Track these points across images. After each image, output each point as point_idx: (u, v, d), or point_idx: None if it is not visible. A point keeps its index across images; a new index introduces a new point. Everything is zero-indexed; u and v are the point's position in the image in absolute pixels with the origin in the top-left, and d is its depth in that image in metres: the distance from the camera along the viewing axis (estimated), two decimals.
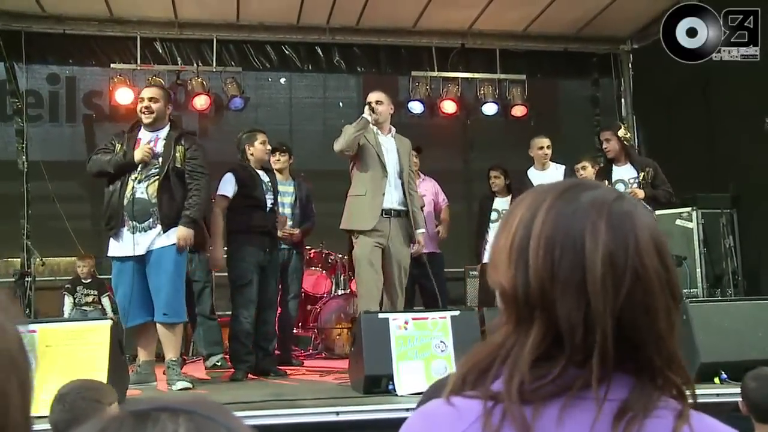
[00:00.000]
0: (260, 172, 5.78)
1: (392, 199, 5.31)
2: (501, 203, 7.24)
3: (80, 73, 8.90)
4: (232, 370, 5.73)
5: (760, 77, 7.12)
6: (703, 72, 8.01)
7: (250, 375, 5.49)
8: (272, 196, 5.80)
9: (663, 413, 0.94)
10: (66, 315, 6.98)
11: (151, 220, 4.71)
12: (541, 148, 6.98)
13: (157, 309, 4.72)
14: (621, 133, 6.28)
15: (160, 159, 4.78)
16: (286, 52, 8.96)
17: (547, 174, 6.93)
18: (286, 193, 6.39)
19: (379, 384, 4.10)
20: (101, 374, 3.77)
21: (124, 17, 8.41)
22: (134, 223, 4.71)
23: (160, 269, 4.70)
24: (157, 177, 4.75)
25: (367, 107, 5.34)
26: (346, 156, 5.43)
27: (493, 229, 7.04)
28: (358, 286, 5.36)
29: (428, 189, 7.12)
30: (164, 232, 4.72)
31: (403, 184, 5.39)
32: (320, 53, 9.04)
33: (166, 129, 4.96)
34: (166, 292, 4.69)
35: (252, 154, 5.76)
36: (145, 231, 4.72)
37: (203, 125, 9.14)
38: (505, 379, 0.94)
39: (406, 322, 4.21)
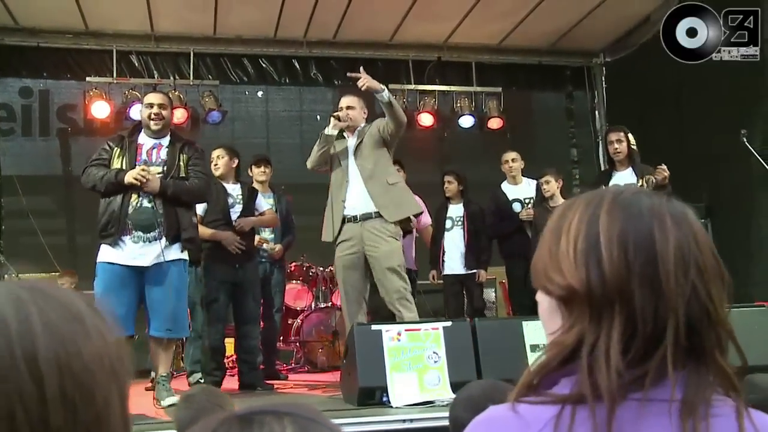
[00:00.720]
0: (229, 186, 5.76)
1: (358, 204, 5.05)
2: (454, 210, 6.99)
3: (54, 86, 8.77)
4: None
5: (731, 89, 7.30)
6: (675, 84, 8.18)
7: (237, 389, 5.48)
8: (240, 207, 5.76)
9: (722, 410, 0.96)
10: None
11: (157, 231, 4.52)
12: (506, 161, 7.00)
13: (160, 323, 4.54)
14: (630, 136, 6.18)
15: (165, 168, 4.63)
16: (263, 65, 8.96)
17: (520, 188, 6.96)
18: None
19: (373, 396, 4.09)
20: None
21: (100, 30, 8.34)
22: (139, 233, 4.51)
23: (166, 283, 4.51)
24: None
25: (331, 119, 5.15)
26: (322, 172, 5.34)
27: (448, 238, 6.89)
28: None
29: None
30: (170, 244, 4.54)
31: (368, 181, 5.04)
32: (297, 66, 9.06)
33: (168, 137, 4.79)
34: (172, 307, 4.52)
35: (216, 168, 5.77)
36: (150, 242, 4.51)
37: None
38: (602, 375, 0.94)
39: (399, 334, 4.22)
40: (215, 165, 5.78)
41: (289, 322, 7.49)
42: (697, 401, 0.95)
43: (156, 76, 8.62)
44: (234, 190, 5.84)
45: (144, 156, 4.65)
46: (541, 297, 1.05)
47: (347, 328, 4.81)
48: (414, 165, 8.25)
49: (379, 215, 5.01)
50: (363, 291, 5.09)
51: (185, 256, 4.68)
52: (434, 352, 4.22)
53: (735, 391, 0.98)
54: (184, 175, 4.68)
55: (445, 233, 6.92)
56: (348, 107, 5.27)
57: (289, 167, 8.54)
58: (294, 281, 7.55)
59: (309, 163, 5.26)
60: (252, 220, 5.78)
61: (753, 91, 7.13)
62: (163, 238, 4.54)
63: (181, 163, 4.70)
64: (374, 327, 4.28)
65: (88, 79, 8.37)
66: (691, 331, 0.96)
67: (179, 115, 8.48)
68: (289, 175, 8.14)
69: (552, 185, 6.44)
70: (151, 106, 4.73)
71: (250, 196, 5.93)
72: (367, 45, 9.04)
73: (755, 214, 7.12)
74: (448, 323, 4.35)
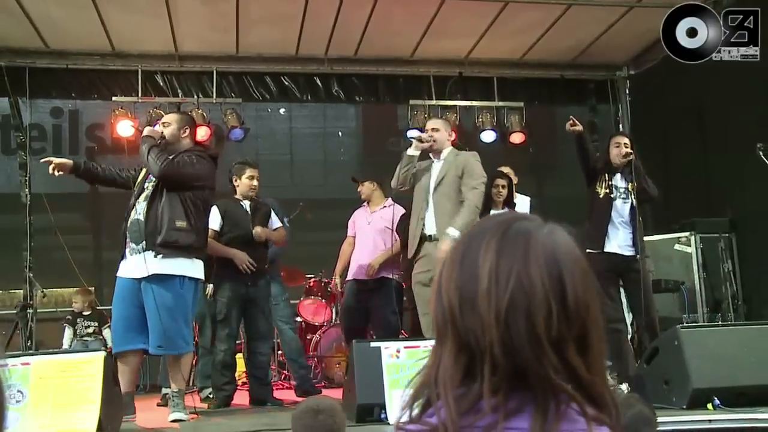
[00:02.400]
0: (246, 204, 5.81)
1: (434, 223, 5.28)
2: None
3: (83, 106, 9.04)
4: None
5: (755, 102, 7.18)
6: (699, 97, 8.08)
7: (247, 404, 5.54)
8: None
9: None
10: (66, 346, 7.01)
11: (144, 242, 4.60)
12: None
13: (151, 340, 4.59)
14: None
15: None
16: (285, 82, 9.07)
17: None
18: None
19: (371, 413, 4.11)
20: (94, 405, 3.80)
21: (126, 51, 8.55)
22: (132, 244, 4.65)
23: (157, 298, 4.52)
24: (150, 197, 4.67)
25: (414, 140, 5.41)
26: (405, 191, 5.56)
27: None
28: None
29: (385, 217, 6.49)
30: (154, 253, 4.56)
31: (435, 205, 5.24)
32: (319, 83, 9.14)
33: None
34: (162, 324, 4.50)
35: (237, 186, 5.83)
36: (139, 253, 4.61)
37: None
38: (440, 410, 0.97)
39: (398, 351, 4.22)
40: (255, 185, 5.87)
41: (308, 337, 7.53)
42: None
43: (180, 95, 8.80)
44: (249, 208, 5.90)
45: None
46: None
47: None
48: None
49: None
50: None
51: (183, 271, 4.64)
52: None
53: (587, 418, 0.98)
54: None
55: None
56: (433, 129, 5.47)
57: (311, 183, 8.64)
58: (312, 297, 7.60)
59: (393, 183, 5.50)
60: (268, 231, 5.84)
61: None
62: (151, 250, 4.58)
63: None
64: (373, 344, 4.30)
65: (114, 98, 8.58)
66: (511, 350, 0.96)
67: (203, 133, 8.63)
68: (311, 191, 8.25)
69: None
70: (163, 124, 4.95)
71: (264, 212, 5.97)
72: (388, 61, 9.09)
73: None
74: None
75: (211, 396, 5.77)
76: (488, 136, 9.26)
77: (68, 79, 8.61)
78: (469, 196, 5.19)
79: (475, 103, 9.38)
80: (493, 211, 5.98)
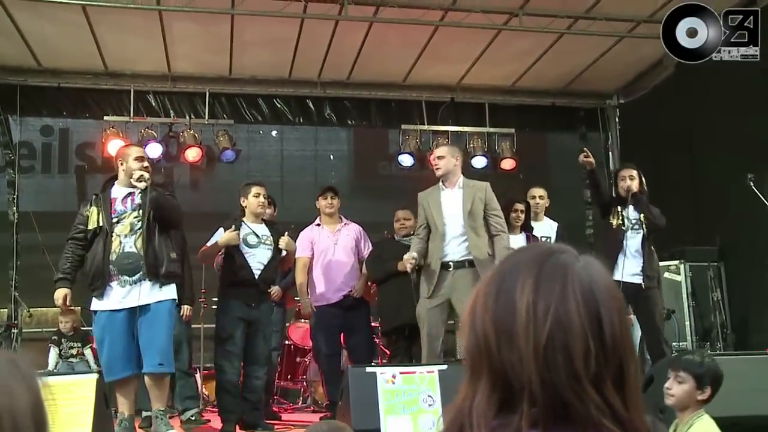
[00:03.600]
0: (254, 225, 5.75)
1: (452, 251, 5.26)
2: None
3: (74, 125, 8.98)
4: (206, 425, 5.82)
5: (743, 131, 7.27)
6: (688, 127, 8.17)
7: (239, 428, 5.44)
8: (267, 247, 5.74)
9: None
10: (51, 367, 6.91)
11: (141, 273, 4.71)
12: (533, 197, 6.76)
13: (151, 359, 4.66)
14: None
15: (141, 211, 4.81)
16: (278, 105, 9.10)
17: (541, 226, 6.76)
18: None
19: None
20: (85, 429, 3.73)
21: (119, 71, 8.56)
22: (125, 277, 4.71)
23: (156, 322, 4.70)
24: (141, 229, 4.78)
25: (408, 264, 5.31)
26: None
27: None
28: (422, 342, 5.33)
29: (351, 234, 6.44)
30: (152, 282, 4.71)
31: (469, 231, 5.26)
32: (311, 106, 9.19)
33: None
34: (161, 343, 4.70)
35: (246, 207, 5.75)
36: (135, 284, 4.70)
37: (195, 177, 9.21)
38: None
39: (394, 376, 4.20)
40: (262, 203, 5.75)
41: (297, 360, 7.47)
42: None
43: (172, 115, 8.80)
44: (259, 229, 5.74)
45: (119, 206, 4.85)
46: None
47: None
48: None
49: (472, 263, 5.23)
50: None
51: (172, 295, 4.83)
52: (429, 396, 4.19)
53: None
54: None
55: None
56: (439, 157, 5.47)
57: (303, 206, 8.58)
58: (302, 321, 7.54)
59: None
60: (291, 242, 5.84)
61: (763, 133, 7.08)
62: (147, 280, 4.70)
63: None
64: (369, 369, 4.27)
65: (105, 118, 8.56)
66: (550, 384, 0.96)
67: (194, 154, 8.64)
68: (302, 214, 8.17)
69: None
70: (141, 159, 4.95)
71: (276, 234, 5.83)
72: (380, 86, 9.16)
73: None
74: (444, 366, 4.33)
75: (192, 418, 5.70)
76: (479, 162, 9.30)
77: (60, 97, 8.61)
78: (502, 226, 5.38)
79: (466, 128, 9.45)
80: (511, 236, 5.94)
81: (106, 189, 4.95)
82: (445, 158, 5.40)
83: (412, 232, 6.79)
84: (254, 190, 5.74)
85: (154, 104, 8.78)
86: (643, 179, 6.05)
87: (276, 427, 5.68)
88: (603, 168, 9.70)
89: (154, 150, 8.50)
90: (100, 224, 4.79)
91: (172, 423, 5.28)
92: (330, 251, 6.32)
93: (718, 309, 7.26)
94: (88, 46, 7.91)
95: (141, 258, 4.71)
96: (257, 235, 5.66)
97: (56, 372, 6.47)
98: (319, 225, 6.46)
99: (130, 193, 4.87)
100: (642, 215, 5.73)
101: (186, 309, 6.10)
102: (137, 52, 8.21)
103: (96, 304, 4.76)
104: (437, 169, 5.41)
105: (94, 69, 8.47)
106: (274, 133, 9.49)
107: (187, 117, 8.77)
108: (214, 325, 6.43)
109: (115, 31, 7.71)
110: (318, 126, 9.37)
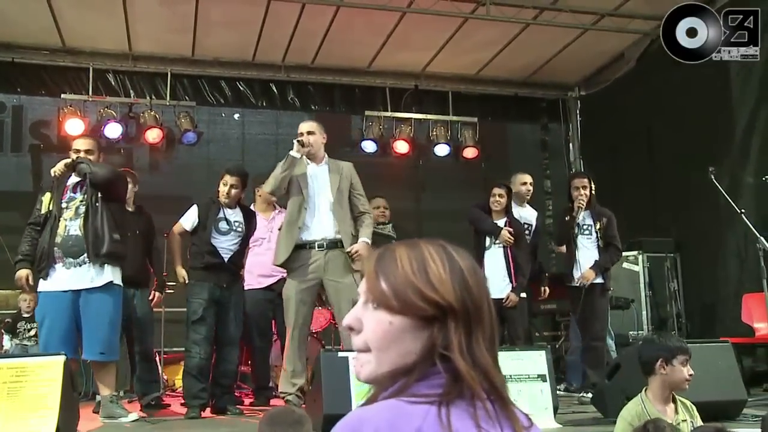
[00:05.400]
0: (228, 211, 5.68)
1: (322, 230, 5.11)
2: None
3: (28, 102, 8.71)
4: (167, 409, 5.74)
5: (701, 126, 7.43)
6: (647, 120, 8.33)
7: (209, 412, 5.39)
8: (238, 234, 5.68)
9: None
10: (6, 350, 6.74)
11: (84, 255, 4.78)
12: (524, 183, 6.87)
13: (92, 347, 4.74)
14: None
15: (86, 195, 4.88)
16: (241, 88, 8.98)
17: (524, 212, 6.82)
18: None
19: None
20: (52, 412, 3.65)
21: (77, 48, 8.33)
22: (69, 259, 4.79)
23: (98, 307, 4.78)
24: (85, 213, 4.87)
25: (295, 143, 5.16)
26: (279, 196, 5.37)
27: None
28: (287, 326, 5.20)
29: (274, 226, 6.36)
30: (93, 263, 4.77)
31: (337, 211, 5.14)
32: (275, 90, 9.09)
33: None
34: (103, 332, 4.76)
35: (218, 190, 5.70)
36: (80, 266, 4.78)
37: (154, 159, 9.04)
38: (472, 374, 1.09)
39: None
40: (227, 193, 5.67)
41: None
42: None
43: (132, 95, 8.61)
44: (233, 215, 5.69)
45: (69, 193, 4.95)
46: (392, 317, 1.10)
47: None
48: (389, 191, 8.24)
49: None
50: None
51: (116, 279, 4.87)
52: None
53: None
54: (102, 196, 4.90)
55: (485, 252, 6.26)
56: (309, 132, 5.27)
57: None
58: None
59: (270, 187, 5.20)
60: None
61: (722, 129, 7.26)
62: (90, 262, 4.76)
63: None
64: (341, 354, 4.26)
65: (63, 96, 8.32)
66: None
67: (154, 135, 8.47)
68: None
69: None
70: (77, 151, 4.99)
71: (249, 223, 5.80)
72: (345, 71, 9.11)
73: (722, 250, 7.20)
74: None
75: (152, 403, 5.61)
76: (442, 150, 9.34)
77: (14, 73, 8.34)
78: (368, 208, 5.39)
79: (430, 116, 9.46)
80: (496, 221, 6.22)
81: (64, 176, 5.02)
82: (315, 134, 5.27)
83: (387, 221, 6.84)
84: (225, 178, 5.70)
85: (113, 83, 8.57)
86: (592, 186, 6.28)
87: (246, 412, 5.60)
88: (563, 158, 9.87)
89: (114, 130, 8.32)
90: (50, 209, 4.90)
91: (132, 407, 5.29)
92: (265, 238, 6.31)
93: (674, 299, 7.44)
94: (45, 20, 7.68)
95: (84, 240, 4.78)
96: (228, 222, 5.64)
97: (23, 354, 6.33)
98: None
99: (81, 181, 4.95)
100: (598, 223, 6.08)
101: (156, 295, 6.10)
102: (97, 29, 7.98)
103: (41, 285, 4.84)
104: (310, 144, 5.18)
105: (51, 45, 8.22)
106: (236, 116, 9.37)
107: (148, 97, 8.58)
108: (175, 309, 6.39)
109: (75, 6, 7.49)
110: (281, 110, 9.27)
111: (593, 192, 6.24)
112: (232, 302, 5.55)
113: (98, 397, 5.58)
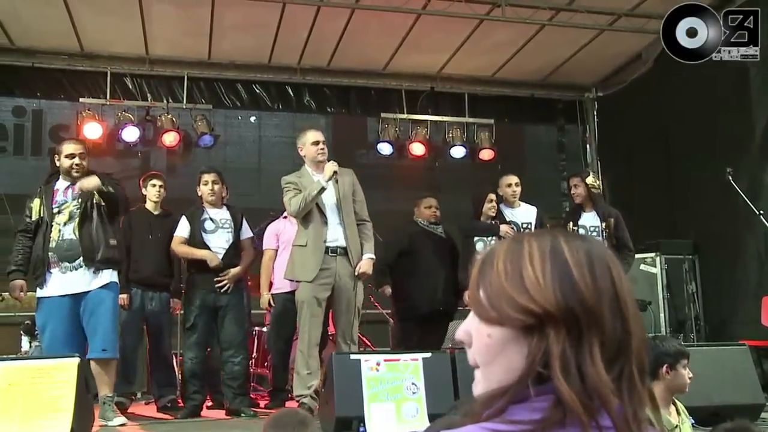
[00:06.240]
0: (213, 211, 5.75)
1: (335, 237, 5.16)
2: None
3: (47, 106, 8.81)
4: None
5: (720, 127, 7.36)
6: (665, 120, 8.26)
7: (224, 414, 5.51)
8: (227, 231, 5.73)
9: None
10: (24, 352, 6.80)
11: (80, 259, 4.84)
12: (509, 185, 6.87)
13: (95, 345, 4.80)
14: (589, 180, 6.25)
15: (79, 200, 4.93)
16: (257, 90, 9.02)
17: (519, 212, 6.82)
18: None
19: (349, 426, 4.06)
20: (66, 414, 3.68)
21: (95, 52, 8.41)
22: (65, 263, 4.85)
23: (98, 308, 4.85)
24: (80, 217, 4.92)
25: (331, 173, 5.11)
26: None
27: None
28: (300, 329, 5.20)
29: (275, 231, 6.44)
30: (89, 267, 4.83)
31: (344, 218, 5.17)
32: (291, 93, 9.11)
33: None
34: (105, 330, 4.83)
35: (200, 195, 5.78)
36: (76, 270, 4.84)
37: (172, 162, 9.09)
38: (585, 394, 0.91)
39: (378, 364, 4.19)
40: (211, 190, 5.75)
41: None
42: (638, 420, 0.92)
43: (149, 99, 8.68)
44: (218, 214, 5.80)
45: (60, 197, 5.00)
46: (491, 329, 0.97)
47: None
48: (404, 193, 8.26)
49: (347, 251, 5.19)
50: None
51: (113, 279, 4.95)
52: (413, 383, 4.20)
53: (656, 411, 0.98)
54: (97, 201, 4.94)
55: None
56: (323, 142, 5.37)
57: (280, 192, 8.51)
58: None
59: (296, 211, 5.18)
60: (233, 274, 5.69)
61: (741, 129, 7.18)
62: (86, 266, 4.83)
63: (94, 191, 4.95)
64: (353, 356, 4.26)
65: (81, 100, 8.41)
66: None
67: (171, 139, 8.53)
68: (280, 201, 8.11)
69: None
70: (72, 156, 5.02)
71: (236, 221, 5.87)
72: (360, 73, 9.12)
73: (741, 252, 7.12)
74: (428, 354, 4.33)
75: (168, 405, 5.66)
76: (458, 152, 9.32)
77: (33, 77, 8.43)
78: (367, 216, 5.38)
79: (445, 118, 9.44)
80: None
81: (50, 182, 5.11)
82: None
83: (438, 222, 6.96)
84: (203, 178, 5.82)
85: (131, 87, 8.65)
86: (595, 183, 6.24)
87: (260, 414, 5.62)
88: (580, 160, 9.81)
89: (131, 134, 8.39)
90: (41, 215, 4.96)
91: (149, 408, 5.34)
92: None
93: (693, 301, 7.36)
94: (63, 25, 7.76)
95: (78, 244, 4.84)
96: (213, 221, 5.72)
97: (39, 356, 6.38)
98: (285, 218, 6.39)
99: (71, 185, 5.00)
100: (604, 223, 5.96)
101: (174, 302, 6.11)
102: (114, 33, 8.06)
103: (40, 292, 4.90)
104: (324, 152, 5.28)
105: (69, 49, 8.30)
106: (252, 118, 9.41)
107: (165, 101, 8.65)
108: None
109: (92, 12, 7.56)
110: (297, 112, 9.29)
111: (596, 191, 6.19)
112: (230, 304, 5.61)
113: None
